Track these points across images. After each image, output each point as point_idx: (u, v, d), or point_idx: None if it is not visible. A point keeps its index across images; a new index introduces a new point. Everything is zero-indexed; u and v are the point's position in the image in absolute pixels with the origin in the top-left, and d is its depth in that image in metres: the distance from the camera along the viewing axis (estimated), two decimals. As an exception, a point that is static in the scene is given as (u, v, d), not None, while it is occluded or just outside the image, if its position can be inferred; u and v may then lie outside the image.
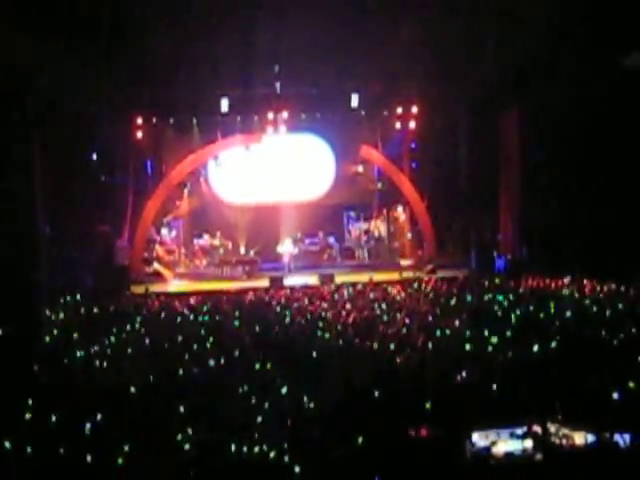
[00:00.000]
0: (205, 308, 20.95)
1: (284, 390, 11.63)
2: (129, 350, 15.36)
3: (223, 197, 33.64)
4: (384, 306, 20.07)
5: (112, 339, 16.57)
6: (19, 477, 8.90)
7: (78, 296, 23.04)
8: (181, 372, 13.17)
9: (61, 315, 20.29)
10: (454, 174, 32.24)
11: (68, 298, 22.72)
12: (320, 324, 17.45)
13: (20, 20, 21.22)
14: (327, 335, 16.17)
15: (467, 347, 14.26)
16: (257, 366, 13.21)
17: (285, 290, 24.91)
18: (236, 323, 18.25)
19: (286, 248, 31.54)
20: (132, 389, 11.99)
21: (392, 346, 14.61)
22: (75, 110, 25.18)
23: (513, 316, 17.49)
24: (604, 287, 21.54)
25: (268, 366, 13.25)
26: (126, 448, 9.32)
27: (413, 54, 25.79)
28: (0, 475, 8.90)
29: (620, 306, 18.13)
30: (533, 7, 23.27)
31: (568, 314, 17.44)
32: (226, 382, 12.26)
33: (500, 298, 20.38)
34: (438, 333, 15.81)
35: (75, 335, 17.02)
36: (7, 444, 9.48)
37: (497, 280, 24.61)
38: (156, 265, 31.56)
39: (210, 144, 31.61)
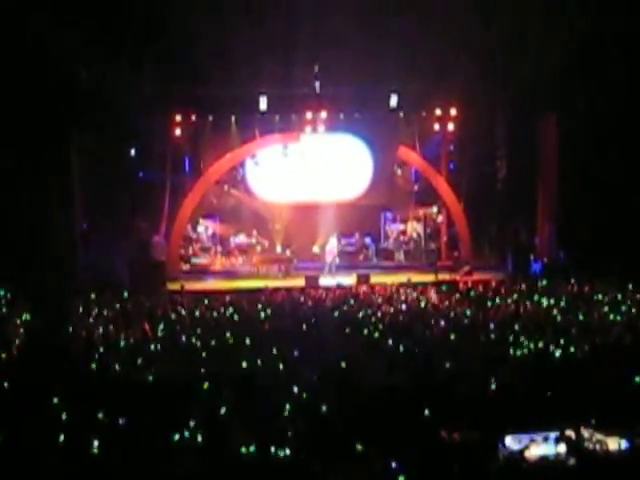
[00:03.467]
0: (239, 306, 20.98)
1: (314, 389, 11.59)
2: (162, 345, 15.41)
3: (260, 196, 33.65)
4: (420, 307, 20.07)
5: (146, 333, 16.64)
6: (51, 469, 8.93)
7: (114, 291, 23.15)
8: (213, 369, 13.15)
9: (96, 309, 20.34)
10: (492, 176, 32.15)
11: (104, 293, 22.84)
12: (355, 324, 17.44)
13: (61, 18, 21.40)
14: (362, 335, 16.17)
15: (502, 350, 14.19)
16: (281, 366, 13.15)
17: (320, 289, 24.93)
18: (268, 321, 18.30)
19: (330, 246, 31.45)
20: (161, 384, 12.03)
21: (427, 348, 14.58)
22: (114, 106, 25.31)
23: (549, 319, 17.40)
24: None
25: (300, 366, 13.21)
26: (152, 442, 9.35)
27: (453, 56, 25.74)
28: (30, 465, 8.93)
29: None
30: (573, 12, 23.20)
31: (605, 318, 17.34)
32: (256, 381, 12.25)
33: (535, 301, 20.28)
34: (473, 335, 15.76)
35: (109, 329, 17.12)
36: (40, 436, 9.52)
37: (533, 283, 24.48)
38: (195, 260, 31.93)
39: (248, 142, 31.63)
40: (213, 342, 15.66)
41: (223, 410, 10.55)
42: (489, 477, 8.63)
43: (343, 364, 13.12)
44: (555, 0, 23.87)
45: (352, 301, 21.58)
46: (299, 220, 32.79)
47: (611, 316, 17.61)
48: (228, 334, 16.30)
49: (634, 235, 25.28)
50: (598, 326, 16.54)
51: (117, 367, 13.45)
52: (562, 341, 14.54)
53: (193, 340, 16.01)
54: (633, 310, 18.43)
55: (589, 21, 23.42)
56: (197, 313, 19.95)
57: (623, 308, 18.88)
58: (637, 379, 11.28)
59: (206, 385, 11.82)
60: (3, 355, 14.60)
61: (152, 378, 12.61)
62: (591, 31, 23.77)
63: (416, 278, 26.90)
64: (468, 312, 18.85)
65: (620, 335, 15.38)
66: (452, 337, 15.62)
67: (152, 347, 15.27)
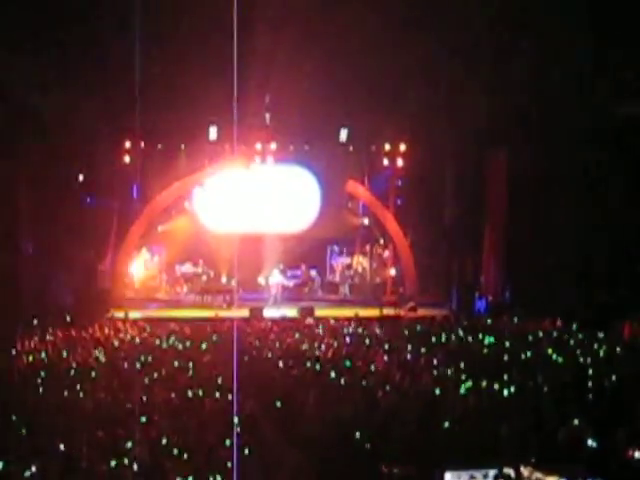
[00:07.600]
0: (183, 335, 20.89)
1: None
2: (99, 373, 15.33)
3: (207, 225, 33.46)
4: (364, 342, 20.08)
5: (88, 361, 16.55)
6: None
7: (58, 317, 22.93)
8: (150, 398, 13.09)
9: (38, 336, 20.16)
10: (439, 213, 32.22)
11: (47, 319, 22.61)
12: (298, 358, 17.42)
13: (13, 40, 21.30)
14: (304, 368, 16.15)
15: (443, 387, 14.22)
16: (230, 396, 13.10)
17: (264, 321, 24.84)
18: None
19: (274, 279, 31.48)
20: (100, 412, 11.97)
21: (370, 383, 14.60)
22: (64, 130, 25.14)
23: (490, 358, 17.48)
24: (584, 332, 21.48)
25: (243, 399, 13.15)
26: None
27: (403, 92, 25.93)
28: None
29: (600, 352, 18.17)
30: (523, 50, 23.55)
31: (546, 358, 17.45)
32: (200, 412, 12.21)
33: (478, 339, 20.36)
34: (415, 372, 15.79)
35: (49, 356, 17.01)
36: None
37: (477, 321, 24.61)
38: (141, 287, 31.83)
39: (197, 171, 31.51)
40: (155, 371, 15.59)
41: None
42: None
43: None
44: (506, 38, 24.14)
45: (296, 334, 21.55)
46: (245, 251, 32.60)
47: (553, 356, 17.73)
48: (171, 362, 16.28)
49: (582, 274, 25.46)
50: (540, 365, 16.65)
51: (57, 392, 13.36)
52: (504, 379, 14.63)
53: (136, 367, 15.94)
54: (577, 351, 18.54)
55: (536, 61, 23.81)
56: (139, 341, 19.89)
57: (564, 347, 19.05)
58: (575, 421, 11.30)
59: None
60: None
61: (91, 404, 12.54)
62: (538, 71, 24.15)
63: (361, 313, 26.89)
64: (411, 348, 18.90)
65: (561, 374, 15.51)
66: (394, 372, 15.65)
67: (93, 374, 15.20)
